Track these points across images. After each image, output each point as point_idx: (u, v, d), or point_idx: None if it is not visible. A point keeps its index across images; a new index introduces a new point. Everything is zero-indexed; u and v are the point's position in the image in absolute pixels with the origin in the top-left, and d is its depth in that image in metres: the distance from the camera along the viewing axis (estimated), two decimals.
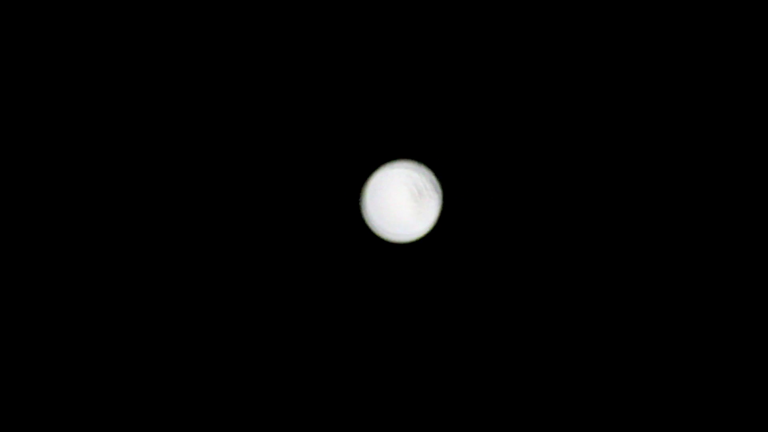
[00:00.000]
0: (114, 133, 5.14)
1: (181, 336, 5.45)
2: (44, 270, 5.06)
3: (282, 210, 5.37)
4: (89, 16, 5.20)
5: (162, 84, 5.09)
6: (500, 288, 5.68)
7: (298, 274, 5.38)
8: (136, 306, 5.17)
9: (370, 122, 5.26)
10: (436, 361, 5.75)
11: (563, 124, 5.58)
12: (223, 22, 5.18)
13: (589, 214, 5.76)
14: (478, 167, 5.46)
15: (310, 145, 5.24)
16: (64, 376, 5.20)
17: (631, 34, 5.72)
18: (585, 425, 5.69)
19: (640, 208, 5.80)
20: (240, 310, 5.43)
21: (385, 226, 5.47)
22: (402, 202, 5.43)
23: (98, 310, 5.22)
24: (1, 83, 5.11)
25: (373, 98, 5.23)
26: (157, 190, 5.11)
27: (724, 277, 5.75)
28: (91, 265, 5.15)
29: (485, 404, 5.75)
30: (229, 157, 5.04)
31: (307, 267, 5.41)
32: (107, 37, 5.18)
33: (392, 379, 5.72)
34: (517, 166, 5.51)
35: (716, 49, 5.73)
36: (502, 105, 5.42)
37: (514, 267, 5.62)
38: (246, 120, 5.08)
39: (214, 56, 5.13)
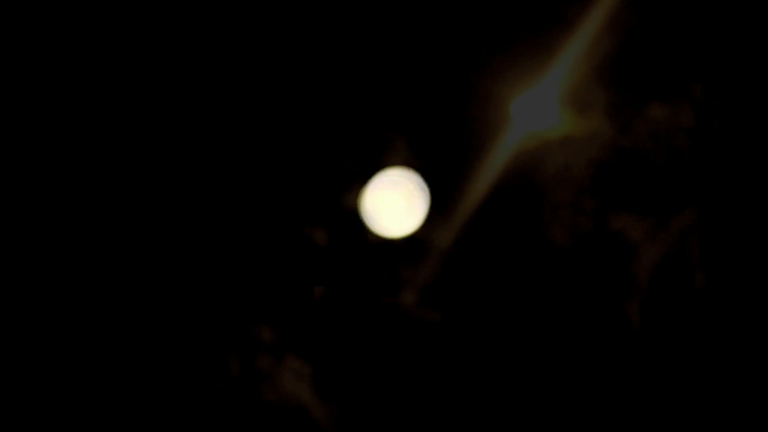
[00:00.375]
0: (114, 134, 5.14)
1: (182, 328, 5.43)
2: (40, 268, 5.04)
3: (291, 208, 5.49)
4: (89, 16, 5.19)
5: (156, 89, 5.08)
6: (484, 277, 5.80)
7: (306, 263, 5.49)
8: (139, 304, 5.15)
9: (368, 136, 5.43)
10: (426, 341, 5.78)
11: (534, 134, 5.69)
12: (224, 29, 5.19)
13: (563, 206, 5.80)
14: (460, 173, 5.64)
15: (319, 156, 5.39)
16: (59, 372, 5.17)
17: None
18: (571, 422, 5.69)
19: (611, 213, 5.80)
20: (245, 299, 5.41)
21: (381, 222, 5.63)
22: (395, 202, 5.62)
23: (95, 311, 5.20)
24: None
25: (369, 116, 5.41)
26: (153, 190, 5.10)
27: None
28: (90, 266, 5.13)
29: (471, 381, 5.76)
30: (253, 163, 5.10)
31: (313, 258, 5.51)
32: (106, 36, 5.17)
33: (383, 358, 5.75)
34: (495, 170, 5.68)
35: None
36: (479, 122, 5.62)
37: (495, 258, 5.76)
38: (268, 132, 5.13)
39: (217, 62, 5.15)
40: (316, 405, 5.73)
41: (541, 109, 5.70)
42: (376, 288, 5.79)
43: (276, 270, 5.57)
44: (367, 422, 5.76)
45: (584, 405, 5.71)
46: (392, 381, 5.83)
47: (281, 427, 5.73)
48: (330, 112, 5.46)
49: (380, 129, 5.62)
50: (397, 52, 5.53)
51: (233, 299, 5.55)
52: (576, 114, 5.74)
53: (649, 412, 5.64)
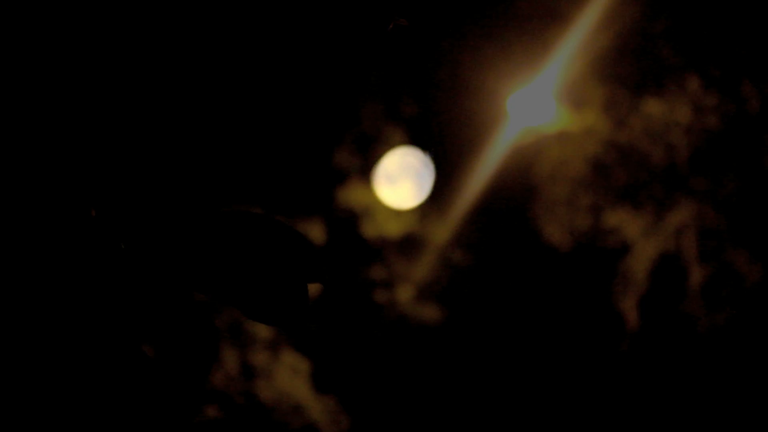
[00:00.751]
0: (110, 131, 5.23)
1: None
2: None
3: (314, 184, 5.65)
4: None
5: (145, 86, 5.19)
6: (480, 272, 5.89)
7: (302, 259, 5.64)
8: (134, 301, 5.24)
9: (380, 121, 5.56)
10: (423, 337, 5.84)
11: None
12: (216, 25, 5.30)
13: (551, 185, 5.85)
14: (457, 168, 5.72)
15: (338, 137, 5.57)
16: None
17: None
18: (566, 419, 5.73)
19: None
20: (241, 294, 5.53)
21: (393, 195, 5.84)
22: (404, 178, 5.82)
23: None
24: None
25: (365, 113, 5.53)
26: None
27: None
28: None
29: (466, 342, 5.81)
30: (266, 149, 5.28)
31: (330, 226, 5.68)
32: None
33: (379, 354, 5.81)
34: (491, 166, 5.73)
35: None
36: (475, 117, 5.69)
37: (491, 254, 5.83)
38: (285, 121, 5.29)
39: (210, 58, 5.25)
40: (312, 401, 5.77)
41: (538, 104, 5.73)
42: (372, 284, 5.83)
43: (271, 266, 5.63)
44: (363, 418, 5.80)
45: (581, 403, 5.74)
46: (388, 377, 5.86)
47: (277, 424, 5.77)
48: (327, 111, 5.55)
49: (376, 125, 5.66)
50: (394, 47, 5.58)
51: (228, 293, 5.61)
52: (572, 110, 5.77)
53: (645, 409, 5.67)
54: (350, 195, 5.71)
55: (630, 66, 5.73)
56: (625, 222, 5.81)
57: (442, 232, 5.78)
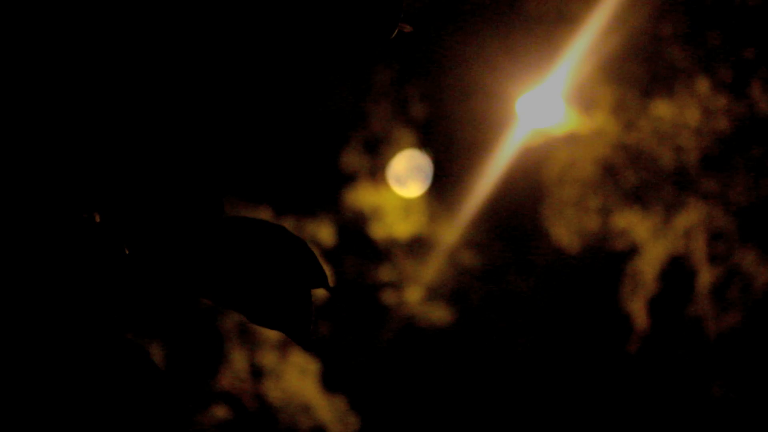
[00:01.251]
0: (114, 136, 5.27)
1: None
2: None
3: (324, 185, 5.76)
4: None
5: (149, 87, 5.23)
6: (488, 274, 5.91)
7: (333, 232, 5.70)
8: (141, 302, 5.26)
9: (389, 123, 5.63)
10: (431, 337, 5.85)
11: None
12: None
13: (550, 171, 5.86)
14: (466, 170, 5.74)
15: (347, 139, 5.68)
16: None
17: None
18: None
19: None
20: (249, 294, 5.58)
21: (401, 186, 6.03)
22: (409, 173, 5.98)
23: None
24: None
25: (374, 116, 5.59)
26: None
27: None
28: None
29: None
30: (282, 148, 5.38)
31: (339, 227, 5.74)
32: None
33: (388, 354, 5.82)
34: (500, 168, 5.75)
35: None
36: (485, 119, 5.72)
37: (500, 255, 5.85)
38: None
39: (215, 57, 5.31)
40: (321, 401, 5.77)
41: (547, 106, 5.73)
42: (381, 285, 5.83)
43: (275, 272, 5.69)
44: (372, 418, 5.80)
45: (589, 403, 5.74)
46: (397, 377, 5.86)
47: (286, 424, 5.77)
48: (336, 113, 5.60)
49: (385, 128, 5.67)
50: (403, 49, 5.60)
51: (232, 298, 5.66)
52: (581, 112, 5.76)
53: (654, 410, 5.66)
54: (359, 196, 5.72)
55: (639, 68, 5.73)
56: (634, 224, 5.80)
57: (451, 233, 5.78)
